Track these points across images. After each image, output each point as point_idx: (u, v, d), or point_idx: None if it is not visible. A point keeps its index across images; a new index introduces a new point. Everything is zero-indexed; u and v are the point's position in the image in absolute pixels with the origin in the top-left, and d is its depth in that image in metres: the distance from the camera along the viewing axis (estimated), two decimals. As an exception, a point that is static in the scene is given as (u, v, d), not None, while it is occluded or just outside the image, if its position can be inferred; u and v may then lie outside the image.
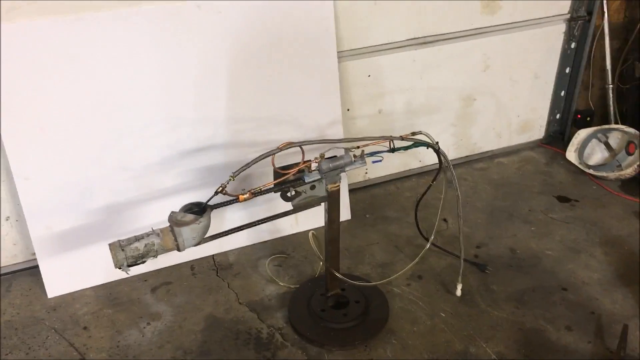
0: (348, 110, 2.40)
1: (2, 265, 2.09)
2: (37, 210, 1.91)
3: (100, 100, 1.89)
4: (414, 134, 1.72)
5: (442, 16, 2.41)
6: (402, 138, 1.71)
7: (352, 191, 2.53)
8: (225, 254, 2.22)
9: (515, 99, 2.77)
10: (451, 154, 2.75)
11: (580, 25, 2.68)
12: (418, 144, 1.72)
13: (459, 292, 1.98)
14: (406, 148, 1.74)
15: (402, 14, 2.33)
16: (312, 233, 1.98)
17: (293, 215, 1.89)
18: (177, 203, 2.08)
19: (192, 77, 1.99)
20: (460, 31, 2.46)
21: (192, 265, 2.17)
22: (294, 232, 2.32)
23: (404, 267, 2.07)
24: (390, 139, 1.69)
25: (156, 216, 2.07)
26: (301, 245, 2.26)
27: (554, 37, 2.71)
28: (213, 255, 2.20)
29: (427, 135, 1.72)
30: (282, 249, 2.25)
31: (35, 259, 2.00)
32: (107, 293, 2.03)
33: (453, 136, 2.73)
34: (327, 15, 2.12)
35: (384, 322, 1.88)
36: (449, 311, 1.92)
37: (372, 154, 1.69)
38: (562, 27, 2.69)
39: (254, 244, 2.27)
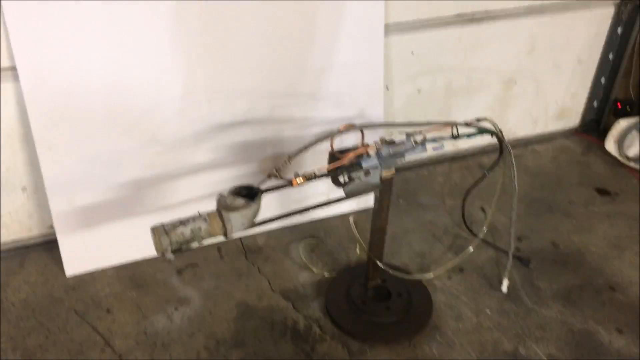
0: (387, 88, 2.26)
1: (15, 238, 1.95)
2: (60, 183, 1.76)
3: (133, 65, 1.73)
4: (478, 120, 1.59)
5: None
6: (467, 124, 1.58)
7: (383, 174, 2.40)
8: (253, 237, 2.08)
9: (556, 84, 2.63)
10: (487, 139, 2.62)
11: (629, 9, 2.54)
12: (482, 131, 1.60)
13: (504, 289, 1.87)
14: (469, 136, 1.61)
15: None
16: (354, 218, 1.86)
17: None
18: (209, 180, 1.96)
19: (230, 48, 1.82)
20: (510, 8, 2.30)
21: (218, 247, 2.03)
22: (324, 216, 2.18)
23: (442, 258, 1.97)
24: (455, 124, 1.56)
25: (186, 193, 1.93)
26: (333, 230, 2.13)
27: (602, 21, 2.56)
28: (241, 238, 2.07)
29: (492, 122, 1.60)
30: (313, 233, 2.12)
31: (52, 234, 1.86)
32: (129, 274, 1.90)
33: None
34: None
35: (428, 317, 1.77)
36: (495, 308, 1.82)
37: (433, 140, 1.56)
38: (611, 11, 2.54)
39: (283, 228, 2.13)
